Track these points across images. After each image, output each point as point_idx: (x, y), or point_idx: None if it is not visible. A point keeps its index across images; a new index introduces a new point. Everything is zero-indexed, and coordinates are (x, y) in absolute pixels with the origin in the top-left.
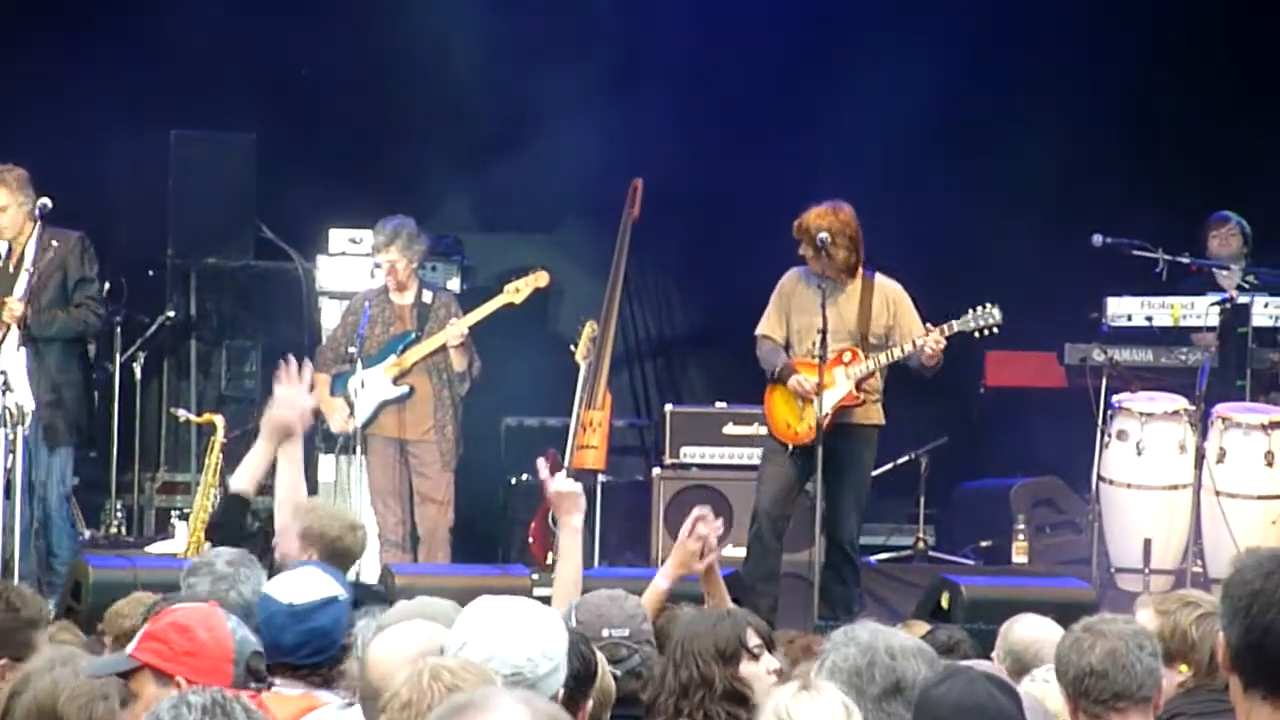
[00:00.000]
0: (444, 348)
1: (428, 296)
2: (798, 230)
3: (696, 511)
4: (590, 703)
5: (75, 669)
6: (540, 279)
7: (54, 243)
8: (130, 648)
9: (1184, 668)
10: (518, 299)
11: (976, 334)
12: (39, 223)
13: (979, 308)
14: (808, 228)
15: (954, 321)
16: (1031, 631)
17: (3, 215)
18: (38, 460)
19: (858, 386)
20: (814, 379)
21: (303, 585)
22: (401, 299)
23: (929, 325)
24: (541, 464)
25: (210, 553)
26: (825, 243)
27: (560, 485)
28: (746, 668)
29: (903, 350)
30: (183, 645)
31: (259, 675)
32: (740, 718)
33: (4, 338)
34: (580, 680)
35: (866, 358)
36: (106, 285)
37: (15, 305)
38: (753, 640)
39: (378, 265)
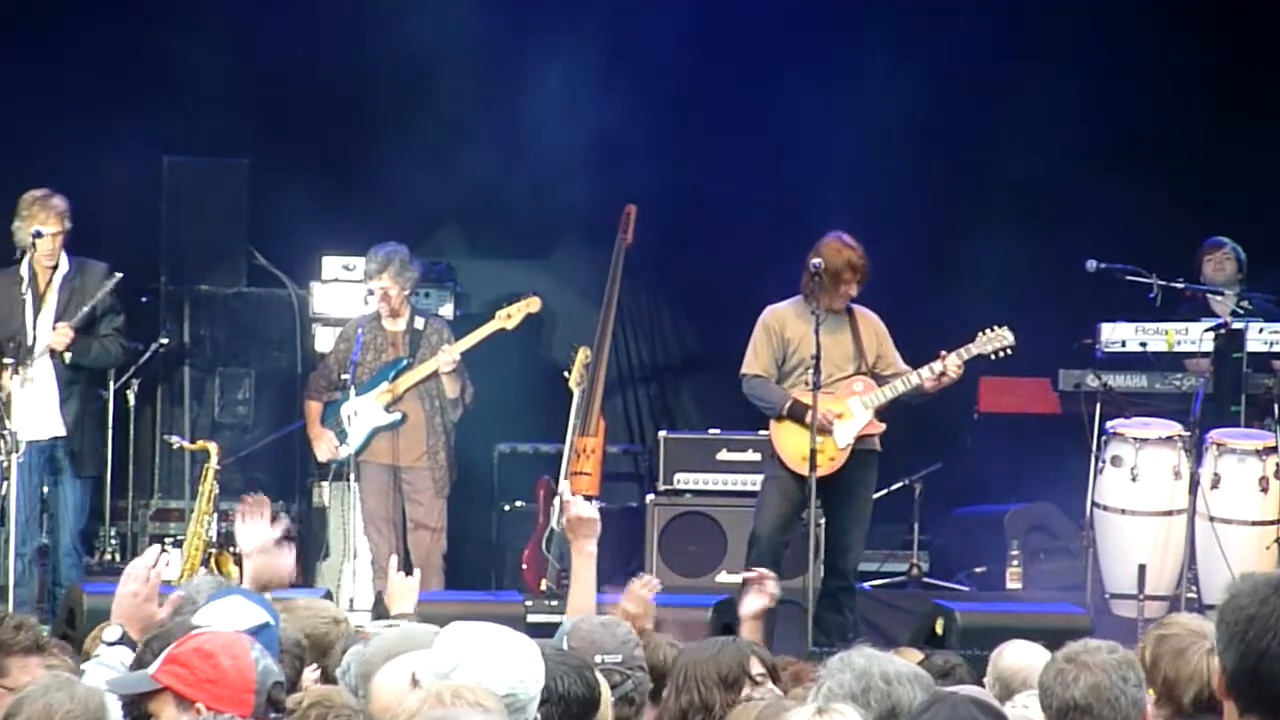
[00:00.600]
0: (436, 374)
1: (420, 323)
2: (823, 261)
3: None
4: None
5: (71, 694)
6: (532, 304)
7: (84, 272)
8: (152, 668)
9: (1150, 691)
10: (510, 324)
11: (993, 356)
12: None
13: (990, 330)
14: (831, 261)
15: (971, 345)
16: (1019, 659)
17: (52, 241)
18: (60, 487)
19: (877, 415)
20: (836, 410)
21: (232, 614)
22: (394, 325)
23: (943, 352)
24: (565, 486)
25: (195, 584)
26: (852, 278)
27: (580, 509)
28: (748, 695)
29: (919, 377)
30: (205, 672)
31: (279, 706)
32: None
33: (32, 362)
34: (585, 707)
35: (881, 385)
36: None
37: (66, 331)
38: (756, 669)
39: (370, 292)
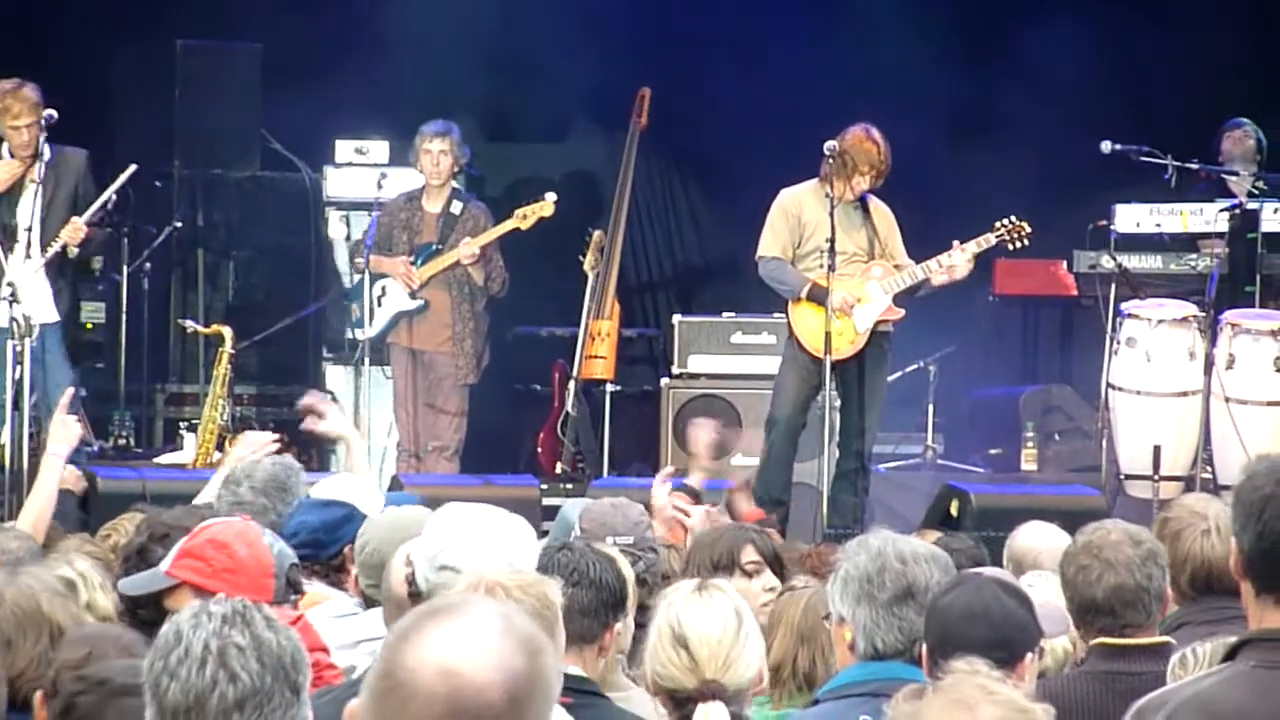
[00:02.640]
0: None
1: (456, 207)
2: (842, 148)
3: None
4: (618, 625)
5: (32, 573)
6: (546, 208)
7: (63, 160)
8: (165, 565)
9: None
10: (525, 225)
11: (1010, 248)
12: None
13: (1006, 222)
14: (851, 151)
15: (990, 235)
16: (1031, 540)
17: (25, 132)
18: (55, 375)
19: (894, 302)
20: (855, 294)
21: (331, 487)
22: (431, 206)
23: (956, 241)
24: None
25: (241, 475)
26: (868, 172)
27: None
28: (739, 584)
29: (940, 264)
30: (222, 562)
31: (297, 586)
32: None
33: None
34: (616, 596)
35: (898, 270)
36: (114, 200)
37: (81, 226)
38: (747, 557)
39: (426, 152)
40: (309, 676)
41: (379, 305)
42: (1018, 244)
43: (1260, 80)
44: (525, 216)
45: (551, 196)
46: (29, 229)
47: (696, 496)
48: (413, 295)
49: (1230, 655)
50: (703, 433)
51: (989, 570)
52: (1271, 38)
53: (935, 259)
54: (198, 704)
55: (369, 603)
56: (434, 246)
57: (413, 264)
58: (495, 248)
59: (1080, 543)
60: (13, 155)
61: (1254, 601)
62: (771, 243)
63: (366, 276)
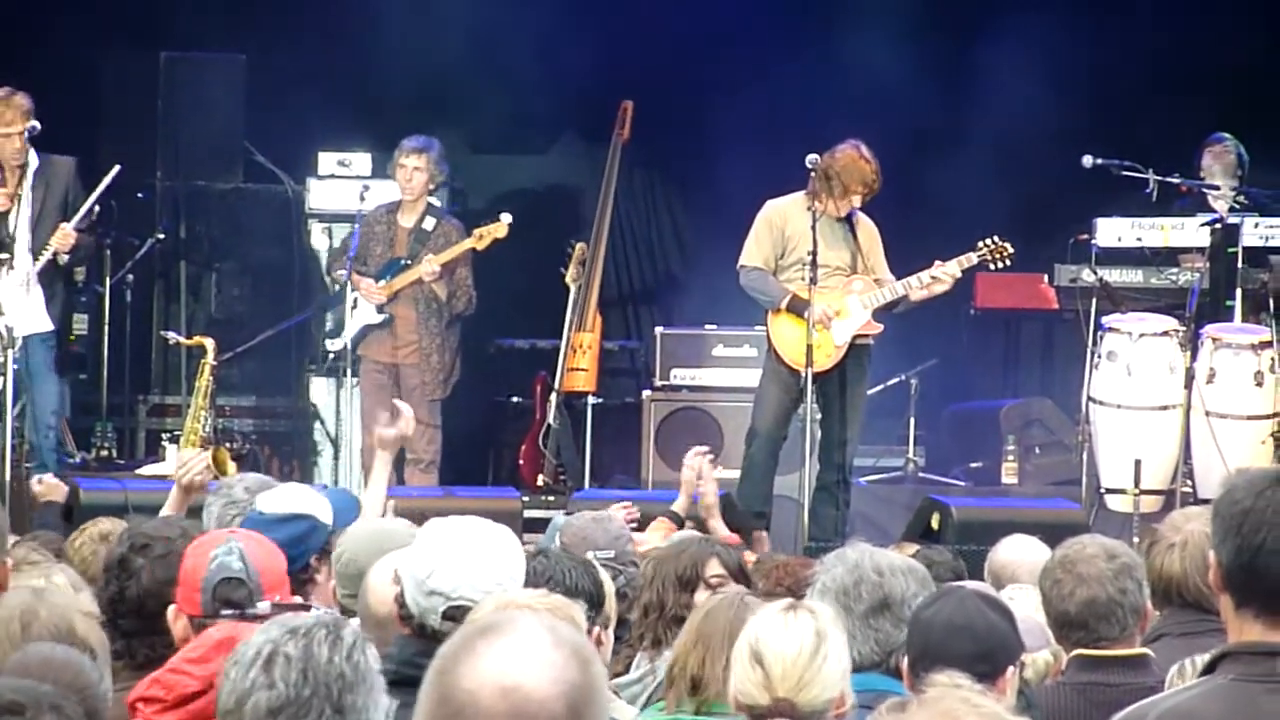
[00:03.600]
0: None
1: (429, 223)
2: (833, 167)
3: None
4: (597, 629)
5: (59, 589)
6: (499, 229)
7: (51, 167)
8: None
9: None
10: (480, 245)
11: (992, 266)
12: (31, 147)
13: (988, 241)
14: (844, 170)
15: (972, 254)
16: (1010, 554)
17: (17, 140)
18: (43, 385)
19: (874, 317)
20: (835, 307)
21: (281, 499)
22: (405, 221)
23: (938, 260)
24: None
25: (234, 478)
26: (860, 191)
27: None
28: (700, 597)
29: (920, 281)
30: (178, 574)
31: (231, 602)
32: None
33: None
34: (593, 605)
35: (879, 286)
36: (97, 208)
37: (70, 233)
38: (711, 571)
39: (401, 166)
40: (373, 702)
41: (350, 317)
42: (1000, 265)
43: (1243, 94)
44: (481, 237)
45: (507, 218)
46: (13, 239)
47: (680, 523)
48: (380, 310)
49: (1210, 668)
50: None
51: (971, 584)
52: (1254, 50)
53: (916, 275)
54: (237, 706)
55: (344, 612)
56: (402, 261)
57: (378, 280)
58: (466, 265)
59: (1057, 557)
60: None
61: (1233, 615)
62: (754, 253)
63: (348, 288)
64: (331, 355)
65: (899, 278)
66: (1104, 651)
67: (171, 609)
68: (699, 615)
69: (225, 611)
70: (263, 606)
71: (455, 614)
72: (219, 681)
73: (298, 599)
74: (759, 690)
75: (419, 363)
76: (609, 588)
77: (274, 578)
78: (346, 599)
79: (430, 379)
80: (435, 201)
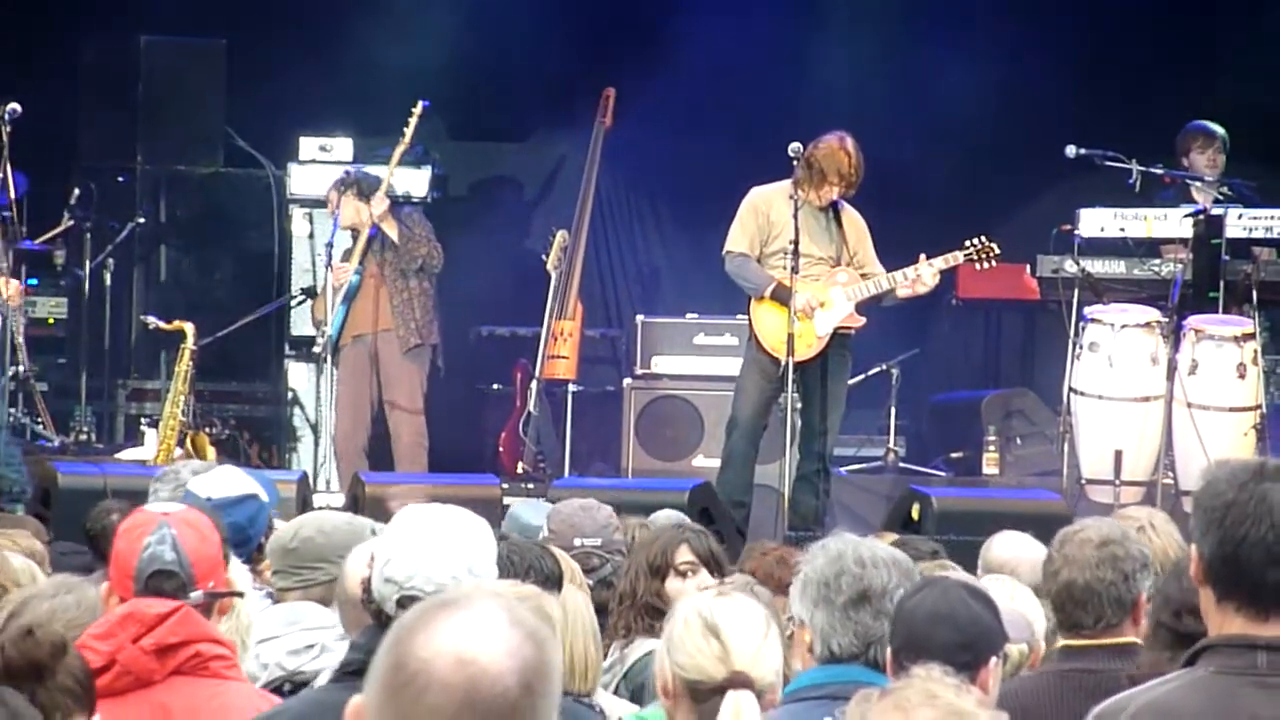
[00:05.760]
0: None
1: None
2: (818, 157)
3: None
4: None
5: (80, 598)
6: (415, 110)
7: None
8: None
9: None
10: (406, 140)
11: (978, 265)
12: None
13: (975, 240)
14: (822, 160)
15: (958, 253)
16: (1005, 550)
17: None
18: None
19: (857, 310)
20: (819, 297)
21: (222, 482)
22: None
23: (922, 256)
24: None
25: (180, 462)
26: (837, 183)
27: None
28: (672, 584)
29: (905, 276)
30: (114, 549)
31: (162, 593)
32: (654, 628)
33: None
34: (546, 585)
35: (864, 279)
36: (76, 191)
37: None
38: (681, 558)
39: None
40: None
41: (332, 310)
42: (986, 264)
43: (1223, 85)
44: (405, 134)
45: (421, 102)
46: None
47: None
48: (353, 281)
49: (1191, 660)
50: None
51: (956, 574)
52: (1238, 46)
53: (902, 271)
54: None
55: (278, 591)
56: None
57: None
58: (418, 222)
59: (1059, 537)
60: None
61: (1214, 608)
62: (739, 238)
63: (328, 276)
64: (324, 345)
65: (886, 272)
66: (1085, 640)
67: (104, 587)
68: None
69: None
70: (195, 597)
71: (407, 604)
72: (251, 668)
73: (232, 582)
74: (714, 663)
75: (392, 325)
76: (573, 572)
77: (207, 565)
78: (280, 577)
79: (405, 332)
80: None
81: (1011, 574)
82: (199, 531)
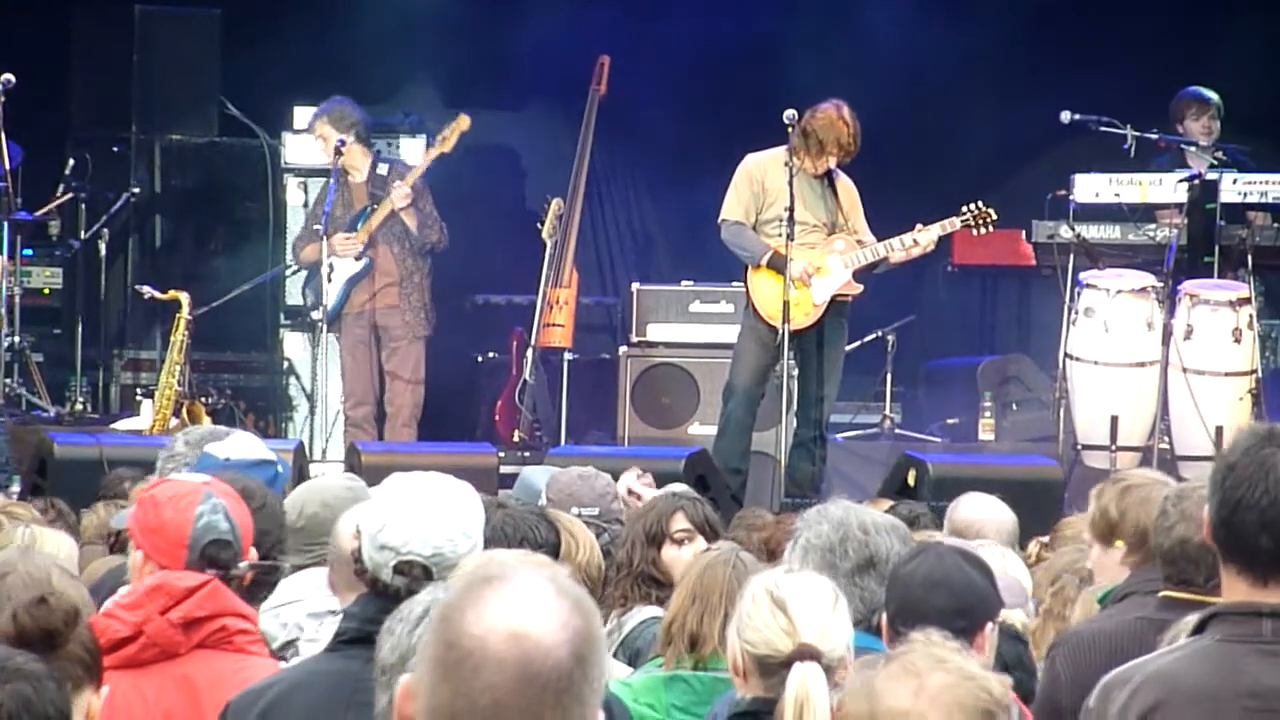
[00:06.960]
0: (397, 213)
1: (382, 169)
2: (816, 127)
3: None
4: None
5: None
6: (462, 123)
7: None
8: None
9: (1119, 543)
10: (447, 148)
11: (975, 231)
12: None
13: (971, 206)
14: (820, 129)
15: (955, 219)
16: (973, 511)
17: None
18: None
19: (854, 277)
20: (816, 264)
21: (241, 445)
22: (357, 178)
23: (919, 224)
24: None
25: (181, 431)
26: (835, 153)
27: None
28: (668, 552)
29: (902, 243)
30: (151, 520)
31: (218, 563)
32: (651, 596)
33: None
34: (551, 556)
35: (861, 246)
36: (71, 161)
37: None
38: (677, 525)
39: (338, 151)
40: None
41: (329, 282)
42: (982, 230)
43: (1220, 47)
44: (445, 139)
45: (465, 116)
46: None
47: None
48: (358, 259)
49: (1199, 628)
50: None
51: (951, 540)
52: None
53: (898, 238)
54: (400, 662)
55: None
56: (368, 208)
57: (349, 233)
58: (427, 200)
59: (1175, 489)
60: None
61: (1222, 570)
62: (734, 206)
63: (324, 247)
64: (321, 320)
65: (879, 238)
66: (1192, 595)
67: (138, 555)
68: (695, 573)
69: (210, 571)
70: (242, 567)
71: (405, 569)
72: (383, 638)
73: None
74: (781, 636)
75: (399, 304)
76: (589, 543)
77: (249, 536)
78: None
79: (412, 317)
80: (378, 150)
81: (977, 535)
82: (239, 502)
